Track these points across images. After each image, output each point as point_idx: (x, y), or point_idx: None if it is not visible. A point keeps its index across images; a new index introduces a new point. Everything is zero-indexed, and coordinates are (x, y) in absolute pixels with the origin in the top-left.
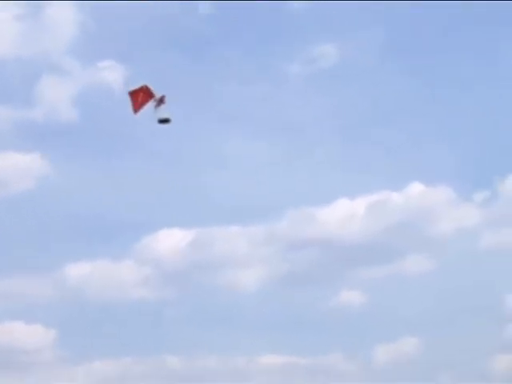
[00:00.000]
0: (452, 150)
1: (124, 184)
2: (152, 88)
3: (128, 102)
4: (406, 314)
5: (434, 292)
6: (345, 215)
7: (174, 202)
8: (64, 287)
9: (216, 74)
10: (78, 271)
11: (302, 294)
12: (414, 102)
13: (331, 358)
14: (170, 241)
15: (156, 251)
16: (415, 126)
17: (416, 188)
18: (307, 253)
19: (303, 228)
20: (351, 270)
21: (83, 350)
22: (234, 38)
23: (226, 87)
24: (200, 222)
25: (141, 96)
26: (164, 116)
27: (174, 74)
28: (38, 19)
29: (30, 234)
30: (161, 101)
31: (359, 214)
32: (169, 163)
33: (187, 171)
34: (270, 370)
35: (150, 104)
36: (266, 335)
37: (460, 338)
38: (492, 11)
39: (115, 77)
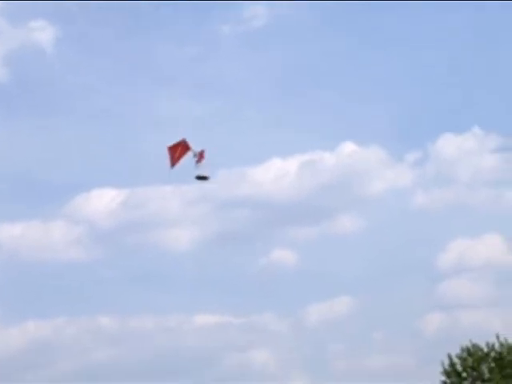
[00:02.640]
0: (385, 110)
1: (56, 144)
2: (189, 143)
3: None
4: (338, 273)
5: (366, 251)
6: (277, 175)
7: (107, 162)
8: None
9: (150, 36)
10: (9, 232)
11: (235, 254)
12: (348, 62)
13: (264, 317)
14: (103, 201)
15: (88, 211)
16: (348, 86)
17: (348, 148)
18: (239, 212)
19: (235, 187)
20: (283, 229)
21: (16, 311)
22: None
23: (161, 48)
24: (132, 181)
25: (179, 150)
26: (203, 174)
27: (108, 36)
28: None
29: None
30: (201, 156)
31: (291, 173)
32: (102, 123)
33: (120, 131)
34: (203, 330)
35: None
36: (199, 295)
37: (393, 296)
38: None
39: (47, 37)
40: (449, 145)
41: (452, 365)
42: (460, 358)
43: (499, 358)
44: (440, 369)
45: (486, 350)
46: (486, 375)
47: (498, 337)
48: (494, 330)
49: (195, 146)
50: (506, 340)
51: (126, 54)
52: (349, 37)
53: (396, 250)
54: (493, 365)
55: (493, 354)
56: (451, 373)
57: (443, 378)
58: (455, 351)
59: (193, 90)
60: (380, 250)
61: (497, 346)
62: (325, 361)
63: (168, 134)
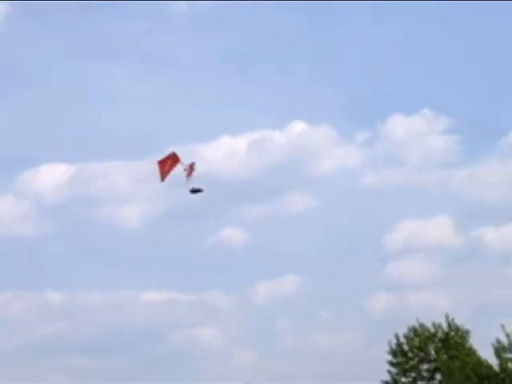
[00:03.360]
0: (335, 90)
1: (5, 118)
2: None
3: None
4: (287, 251)
5: (315, 230)
6: (227, 152)
7: (56, 137)
8: None
9: (101, 11)
10: None
11: (184, 231)
12: (299, 41)
13: (212, 294)
14: (51, 176)
15: (36, 186)
16: (299, 65)
17: (298, 127)
18: (188, 190)
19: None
20: (233, 208)
21: None
22: None
23: (111, 23)
24: (81, 157)
25: (168, 164)
26: (197, 187)
27: (60, 12)
28: None
29: None
30: (191, 168)
31: (241, 151)
32: (52, 98)
33: (69, 107)
34: (151, 306)
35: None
36: (148, 271)
37: (341, 275)
38: None
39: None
40: (398, 125)
41: (399, 344)
42: (407, 337)
43: (446, 339)
44: (387, 348)
45: (432, 330)
46: (433, 355)
47: (447, 316)
48: (441, 310)
49: (146, 123)
50: (452, 320)
51: (77, 29)
52: (299, 16)
53: (345, 230)
54: (439, 345)
55: (439, 335)
56: (398, 352)
57: (390, 357)
58: (402, 331)
59: (143, 66)
60: (329, 229)
61: (444, 326)
62: (272, 338)
63: (118, 109)
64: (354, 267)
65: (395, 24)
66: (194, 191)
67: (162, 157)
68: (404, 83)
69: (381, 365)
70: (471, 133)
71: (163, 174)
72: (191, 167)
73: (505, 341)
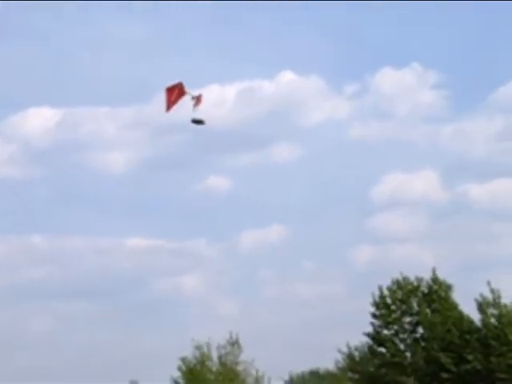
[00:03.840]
0: (325, 41)
1: None
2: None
3: None
4: (273, 201)
5: (301, 181)
6: (215, 101)
7: (44, 81)
8: None
9: None
10: None
11: (169, 179)
12: None
13: (197, 242)
14: (39, 120)
15: (23, 129)
16: (288, 14)
17: (287, 76)
18: (175, 138)
19: (172, 112)
20: (219, 156)
21: None
22: None
23: None
24: (69, 101)
25: (175, 93)
26: (199, 117)
27: None
28: None
29: None
30: (198, 100)
31: (229, 100)
32: (40, 43)
33: (58, 51)
34: (135, 253)
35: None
36: (132, 218)
37: (325, 227)
38: None
39: None
40: (388, 79)
41: (382, 297)
42: (390, 290)
43: (429, 293)
44: (370, 300)
45: (415, 283)
46: (415, 309)
47: (433, 270)
48: (425, 264)
49: (134, 69)
50: (436, 275)
51: None
52: None
53: (331, 182)
54: (422, 299)
55: (422, 288)
56: (381, 305)
57: (373, 309)
58: (386, 284)
59: (132, 13)
60: (315, 180)
61: (428, 280)
62: (255, 287)
63: (105, 55)
64: (340, 219)
65: None
66: (196, 122)
67: (169, 85)
68: (394, 37)
69: (364, 317)
70: (460, 88)
71: (169, 104)
72: (198, 99)
73: (489, 296)
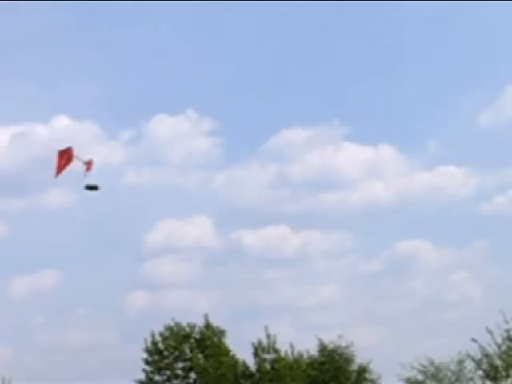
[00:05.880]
0: (100, 86)
1: None
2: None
3: None
4: (46, 246)
5: (76, 227)
6: None
7: None
8: None
9: None
10: None
11: None
12: (65, 36)
13: None
14: None
15: None
16: (64, 59)
17: (62, 121)
18: None
19: None
20: None
21: None
22: None
23: None
24: None
25: (65, 158)
26: (92, 183)
27: None
28: None
29: None
30: (89, 165)
31: (3, 143)
32: None
33: None
34: None
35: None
36: None
37: (99, 272)
38: None
39: None
40: (163, 125)
41: (154, 343)
42: (162, 336)
43: (201, 339)
44: (143, 346)
45: (188, 329)
46: (188, 355)
47: (205, 316)
48: (198, 310)
49: None
50: (208, 321)
51: None
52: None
53: (105, 227)
54: (194, 345)
55: (195, 334)
56: (153, 351)
57: (145, 355)
58: (159, 330)
59: None
60: (89, 225)
61: (201, 326)
62: (28, 333)
63: None
64: (113, 264)
65: (159, 24)
66: (90, 188)
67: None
68: (170, 83)
69: (136, 363)
70: (234, 136)
71: (59, 169)
72: (90, 163)
73: (265, 342)
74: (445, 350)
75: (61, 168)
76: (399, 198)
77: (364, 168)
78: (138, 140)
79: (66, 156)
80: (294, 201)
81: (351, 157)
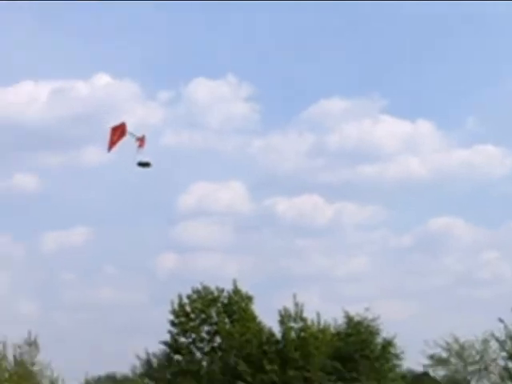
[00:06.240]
0: (142, 45)
1: None
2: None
3: None
4: (79, 203)
5: (109, 185)
6: (27, 98)
7: None
8: None
9: None
10: None
11: None
12: None
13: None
14: None
15: None
16: (106, 16)
17: (102, 79)
18: None
19: None
20: (28, 154)
21: None
22: None
23: None
24: None
25: (118, 133)
26: (145, 160)
27: None
28: None
29: None
30: (141, 141)
31: (42, 98)
32: None
33: None
34: None
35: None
36: None
37: (130, 231)
38: None
39: None
40: (202, 88)
41: (181, 305)
42: (190, 299)
43: (228, 303)
44: (170, 308)
45: (216, 293)
46: (214, 318)
47: (234, 281)
48: (228, 275)
49: None
50: (237, 286)
51: None
52: None
53: (139, 187)
54: (221, 309)
55: (222, 299)
56: (180, 313)
57: (171, 317)
58: (187, 292)
59: None
60: (123, 185)
61: (229, 290)
62: (57, 289)
63: None
64: (145, 225)
65: None
66: (143, 164)
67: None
68: (211, 47)
69: (163, 325)
70: (273, 103)
71: (111, 144)
72: (142, 139)
73: (292, 310)
74: (472, 328)
75: (113, 143)
76: (435, 174)
77: (401, 142)
78: (176, 102)
79: (118, 131)
80: (330, 171)
81: (389, 130)
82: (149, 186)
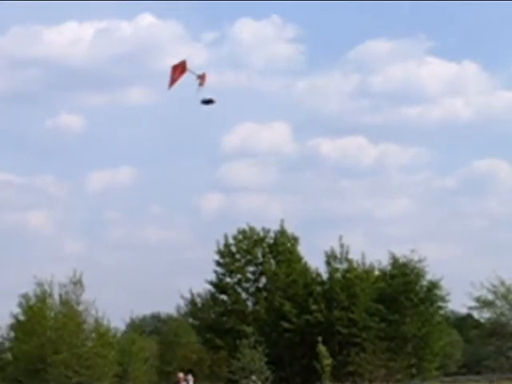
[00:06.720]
0: None
1: None
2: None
3: None
4: (123, 143)
5: (154, 125)
6: (72, 38)
7: None
8: None
9: None
10: None
11: (21, 113)
12: None
13: (45, 179)
14: None
15: None
16: None
17: (146, 19)
18: (31, 72)
19: (28, 46)
20: (73, 94)
21: None
22: None
23: None
24: None
25: (178, 71)
26: (208, 97)
27: None
28: None
29: None
30: (203, 79)
31: (87, 38)
32: None
33: None
34: None
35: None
36: None
37: (175, 171)
38: None
39: None
40: (246, 29)
41: (227, 245)
42: (235, 239)
43: (274, 244)
44: (215, 248)
45: (262, 234)
46: (260, 259)
47: (282, 221)
48: (272, 216)
49: None
50: (283, 227)
51: None
52: None
53: (183, 128)
54: (267, 250)
55: (268, 240)
56: (225, 253)
57: (217, 257)
58: (232, 233)
59: None
60: (167, 125)
61: (274, 231)
62: (102, 228)
63: None
64: (190, 165)
65: None
66: (206, 102)
67: (175, 62)
68: None
69: (208, 265)
70: (317, 44)
71: (172, 81)
72: (203, 77)
73: (338, 251)
74: None
75: (174, 80)
76: (479, 115)
77: (446, 84)
78: (220, 42)
79: (179, 69)
80: (374, 112)
81: (434, 72)
82: (193, 127)
